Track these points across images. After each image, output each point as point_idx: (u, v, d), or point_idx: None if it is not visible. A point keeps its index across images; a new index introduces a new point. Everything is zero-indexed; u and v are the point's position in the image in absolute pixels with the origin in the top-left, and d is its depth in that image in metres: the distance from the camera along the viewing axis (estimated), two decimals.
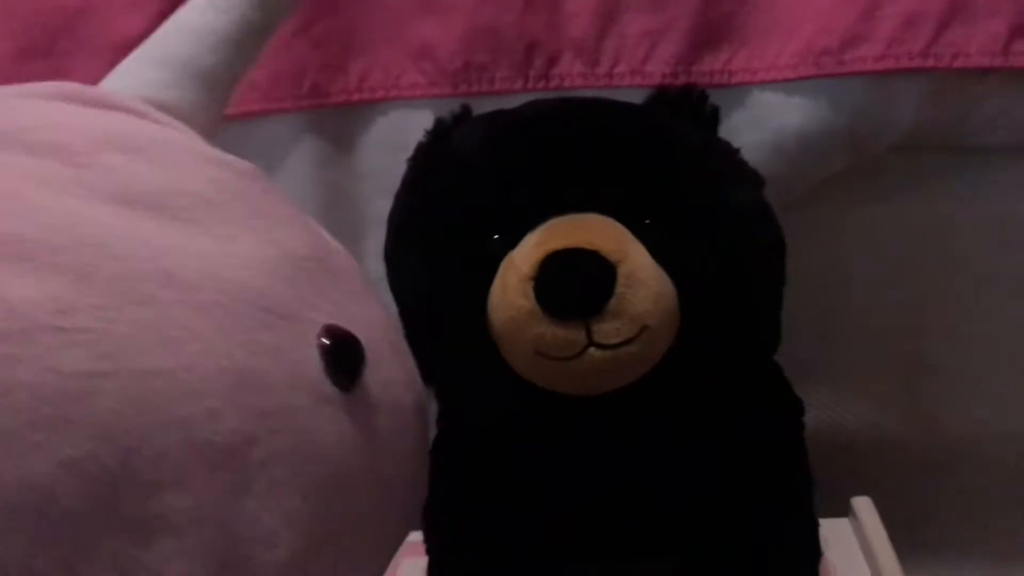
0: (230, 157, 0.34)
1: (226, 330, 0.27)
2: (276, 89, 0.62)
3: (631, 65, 0.60)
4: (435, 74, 0.61)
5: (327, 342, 0.30)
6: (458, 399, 0.48)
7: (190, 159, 0.32)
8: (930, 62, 0.57)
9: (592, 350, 0.40)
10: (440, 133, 0.49)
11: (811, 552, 0.50)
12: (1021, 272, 0.69)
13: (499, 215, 0.43)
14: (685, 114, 0.47)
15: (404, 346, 0.37)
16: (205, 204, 0.30)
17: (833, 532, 0.60)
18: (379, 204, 0.51)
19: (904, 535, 0.61)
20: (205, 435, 0.26)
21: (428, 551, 0.50)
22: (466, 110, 0.50)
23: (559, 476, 0.47)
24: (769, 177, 0.59)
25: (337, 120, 0.63)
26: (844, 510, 0.61)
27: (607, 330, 0.39)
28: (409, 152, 0.49)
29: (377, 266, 0.49)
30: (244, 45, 0.36)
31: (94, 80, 0.61)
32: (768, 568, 0.47)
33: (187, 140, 0.33)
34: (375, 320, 0.35)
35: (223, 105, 0.36)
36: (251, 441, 0.27)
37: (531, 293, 0.40)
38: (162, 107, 0.35)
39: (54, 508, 0.24)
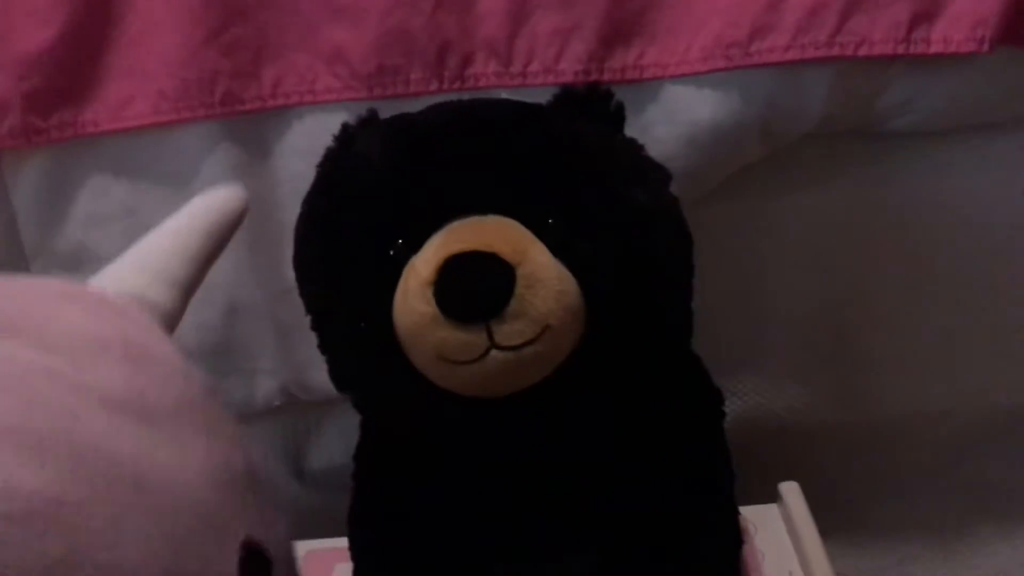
0: (193, 368, 0.38)
1: (170, 536, 0.31)
2: (188, 98, 0.60)
3: (544, 63, 0.59)
4: (349, 78, 0.60)
5: (243, 555, 0.34)
6: (373, 405, 0.48)
7: (164, 369, 0.36)
8: (835, 51, 0.58)
9: (494, 352, 0.40)
10: (345, 139, 0.48)
11: (730, 541, 0.51)
12: (942, 254, 0.70)
13: (402, 220, 0.43)
14: (590, 112, 0.47)
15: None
16: (170, 414, 0.34)
17: (761, 518, 0.60)
18: (298, 210, 0.50)
19: (838, 517, 0.62)
20: None
21: (352, 556, 0.50)
22: (372, 114, 0.49)
23: (476, 476, 0.47)
24: (685, 169, 0.59)
25: (252, 127, 0.62)
26: (775, 496, 0.62)
27: (508, 332, 0.40)
28: None
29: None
30: (207, 257, 0.42)
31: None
32: (688, 558, 0.48)
33: (163, 349, 0.38)
34: (283, 527, 0.39)
35: (187, 302, 0.42)
36: None
37: (431, 298, 0.39)
38: (142, 305, 0.40)
39: None
